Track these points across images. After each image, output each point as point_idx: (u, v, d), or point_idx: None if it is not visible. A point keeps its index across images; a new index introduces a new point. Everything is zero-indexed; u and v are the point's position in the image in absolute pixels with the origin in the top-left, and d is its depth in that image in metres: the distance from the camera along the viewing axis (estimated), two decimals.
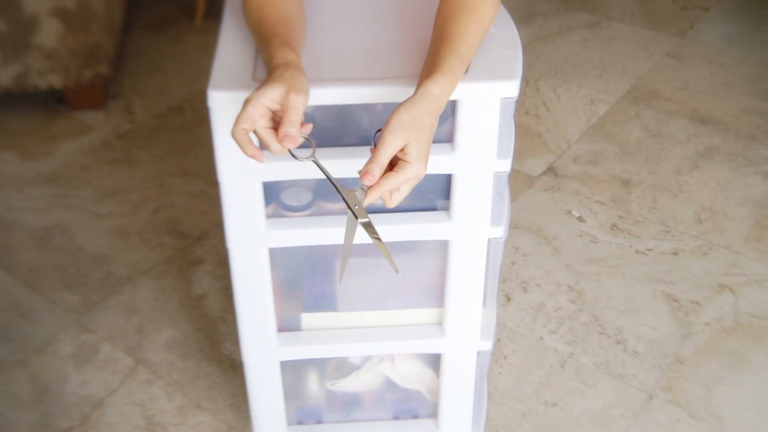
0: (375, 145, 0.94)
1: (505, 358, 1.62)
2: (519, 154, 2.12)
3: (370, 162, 0.93)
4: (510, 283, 1.78)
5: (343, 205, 1.16)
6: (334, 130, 1.10)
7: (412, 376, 1.37)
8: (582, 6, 2.85)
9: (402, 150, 0.94)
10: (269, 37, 1.02)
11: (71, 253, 1.86)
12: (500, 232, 1.18)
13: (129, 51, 2.59)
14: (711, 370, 1.59)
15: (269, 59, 0.99)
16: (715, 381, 1.57)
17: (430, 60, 1.00)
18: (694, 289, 1.76)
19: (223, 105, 1.03)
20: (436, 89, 0.96)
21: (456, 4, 1.03)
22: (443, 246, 1.19)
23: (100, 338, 1.66)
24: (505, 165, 1.12)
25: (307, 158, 0.97)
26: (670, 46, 2.63)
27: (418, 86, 0.97)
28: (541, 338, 1.66)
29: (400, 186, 0.95)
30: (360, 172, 0.93)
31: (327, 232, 1.14)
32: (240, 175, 1.08)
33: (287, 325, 1.26)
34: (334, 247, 1.20)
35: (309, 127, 0.95)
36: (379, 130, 0.95)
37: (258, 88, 0.94)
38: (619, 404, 1.54)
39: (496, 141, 1.09)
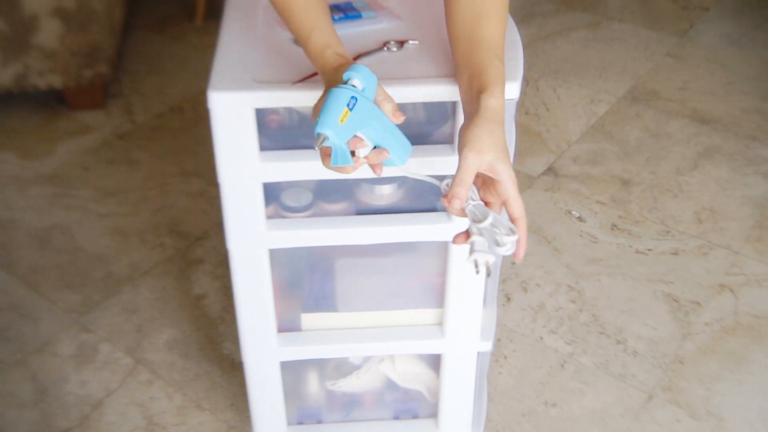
0: (446, 194, 0.95)
1: (505, 358, 1.62)
2: (519, 154, 2.12)
3: (456, 185, 0.92)
4: (510, 283, 1.78)
5: (341, 206, 1.16)
6: None
7: (412, 376, 1.37)
8: (582, 6, 2.86)
9: (490, 170, 0.93)
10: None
11: (71, 253, 1.86)
12: None
13: (129, 51, 2.59)
14: (711, 370, 1.60)
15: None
16: (715, 381, 1.58)
17: (472, 69, 0.98)
18: (694, 289, 1.77)
19: (223, 105, 1.03)
20: (497, 102, 0.95)
21: (481, 7, 1.01)
22: (443, 246, 1.19)
23: (100, 338, 1.66)
24: None
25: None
26: (670, 46, 2.63)
27: (469, 98, 0.97)
28: (541, 338, 1.66)
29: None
30: (446, 196, 0.92)
31: (327, 232, 1.14)
32: (240, 176, 1.08)
33: (287, 326, 1.26)
34: (334, 248, 1.20)
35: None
36: (447, 178, 0.96)
37: None
38: (619, 404, 1.54)
39: None
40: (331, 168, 0.94)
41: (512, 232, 0.92)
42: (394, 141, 0.95)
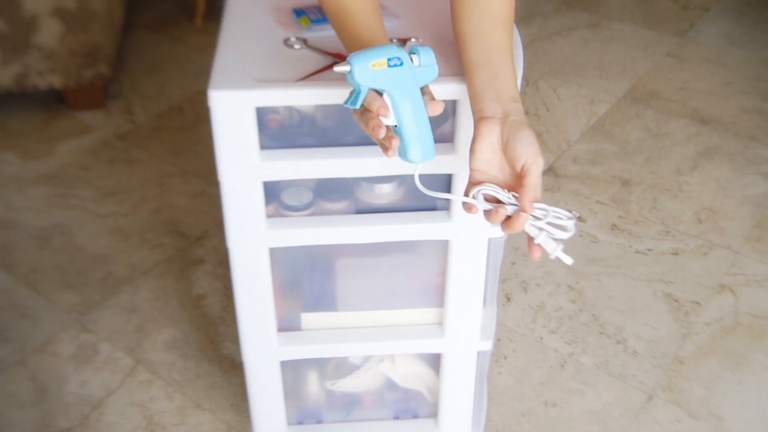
0: (470, 197, 0.95)
1: (505, 358, 1.62)
2: None
3: (531, 195, 0.92)
4: (510, 283, 1.78)
5: (341, 205, 1.16)
6: (334, 129, 1.11)
7: (412, 376, 1.37)
8: (582, 6, 2.86)
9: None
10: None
11: (71, 253, 1.86)
12: (501, 231, 1.17)
13: (129, 51, 2.59)
14: (711, 370, 1.59)
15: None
16: (715, 381, 1.57)
17: (495, 69, 0.98)
18: (694, 289, 1.76)
19: (223, 104, 1.03)
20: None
21: (494, 10, 1.01)
22: (443, 246, 1.19)
23: (100, 338, 1.66)
24: None
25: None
26: (670, 46, 2.63)
27: (489, 98, 0.96)
28: (541, 338, 1.66)
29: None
30: (528, 205, 0.92)
31: (327, 231, 1.14)
32: (240, 175, 1.08)
33: (287, 325, 1.26)
34: (334, 247, 1.20)
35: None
36: (475, 183, 0.94)
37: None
38: (619, 404, 1.54)
39: None
40: (346, 105, 0.93)
41: (569, 217, 0.94)
42: (418, 133, 0.94)
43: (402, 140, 0.94)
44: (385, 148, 0.93)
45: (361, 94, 0.91)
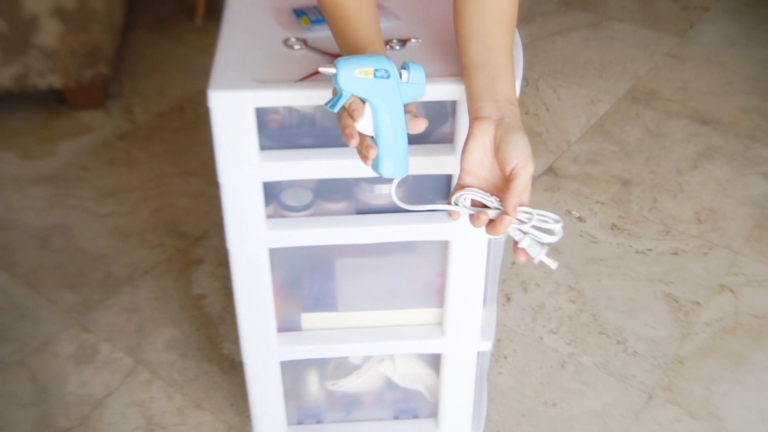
0: (455, 203, 0.94)
1: (505, 358, 1.62)
2: None
3: (517, 199, 0.91)
4: (510, 283, 1.78)
5: (341, 205, 1.16)
6: (334, 129, 1.10)
7: (412, 376, 1.37)
8: (582, 6, 2.86)
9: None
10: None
11: (71, 253, 1.86)
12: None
13: (129, 51, 2.59)
14: (711, 370, 1.60)
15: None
16: (715, 381, 1.57)
17: (493, 71, 0.98)
18: (694, 289, 1.77)
19: (223, 105, 1.03)
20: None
21: (497, 11, 1.01)
22: (443, 246, 1.19)
23: (100, 338, 1.66)
24: None
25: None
26: (670, 46, 2.63)
27: (486, 98, 0.96)
28: (541, 338, 1.66)
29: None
30: (511, 209, 0.91)
31: (327, 232, 1.14)
32: (240, 176, 1.08)
33: (287, 325, 1.26)
34: (334, 247, 1.20)
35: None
36: (462, 187, 0.94)
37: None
38: (619, 404, 1.54)
39: None
40: (326, 106, 0.94)
41: (556, 220, 0.93)
42: (394, 147, 0.93)
43: (377, 152, 0.94)
44: (363, 157, 0.93)
45: (342, 98, 0.91)
